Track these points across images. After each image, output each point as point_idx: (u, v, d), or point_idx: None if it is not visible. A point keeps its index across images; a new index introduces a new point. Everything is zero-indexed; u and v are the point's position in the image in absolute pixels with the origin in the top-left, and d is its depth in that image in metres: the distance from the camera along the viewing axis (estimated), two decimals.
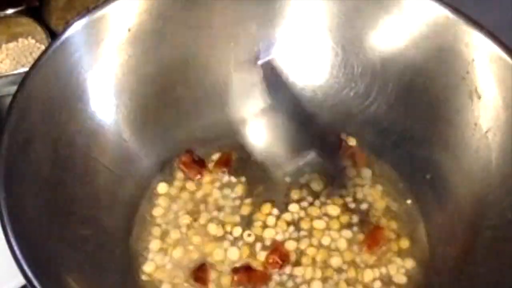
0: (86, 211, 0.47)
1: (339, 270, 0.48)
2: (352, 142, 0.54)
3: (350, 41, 0.53)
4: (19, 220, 0.41)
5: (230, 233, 0.49)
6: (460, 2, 0.50)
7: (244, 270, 0.47)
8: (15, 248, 0.39)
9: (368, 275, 0.47)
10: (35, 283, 0.38)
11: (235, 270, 0.47)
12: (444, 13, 0.50)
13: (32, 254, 0.40)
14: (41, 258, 0.41)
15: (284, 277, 0.47)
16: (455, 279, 0.46)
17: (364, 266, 0.48)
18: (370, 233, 0.49)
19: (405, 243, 0.49)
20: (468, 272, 0.45)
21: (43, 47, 0.61)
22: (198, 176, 0.52)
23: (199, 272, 0.47)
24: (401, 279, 0.48)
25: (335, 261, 0.48)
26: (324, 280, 0.47)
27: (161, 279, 0.47)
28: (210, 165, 0.53)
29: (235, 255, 0.48)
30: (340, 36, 0.54)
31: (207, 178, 0.52)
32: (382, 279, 0.48)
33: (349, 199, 0.51)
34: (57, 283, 0.41)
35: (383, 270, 0.48)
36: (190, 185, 0.52)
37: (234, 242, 0.49)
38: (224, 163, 0.53)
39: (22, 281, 0.41)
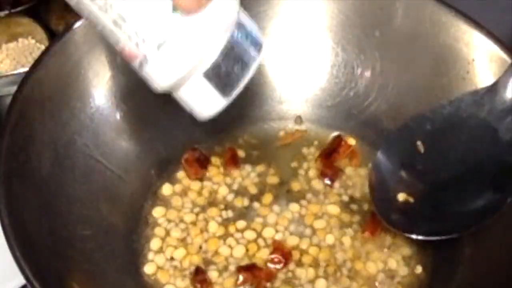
0: (86, 211, 0.47)
1: (341, 266, 0.48)
2: (352, 142, 0.54)
3: (350, 41, 0.53)
4: (19, 220, 0.41)
5: (233, 231, 0.49)
6: (460, 2, 0.50)
7: (249, 269, 0.47)
8: (15, 248, 0.39)
9: (371, 268, 0.47)
10: (35, 283, 0.38)
11: (240, 269, 0.47)
12: (444, 13, 0.50)
13: (32, 254, 0.40)
14: (41, 258, 0.41)
15: (290, 274, 0.47)
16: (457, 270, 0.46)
17: (366, 260, 0.48)
18: (368, 220, 0.49)
19: (405, 239, 0.49)
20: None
21: (43, 47, 0.61)
22: (197, 175, 0.52)
23: (198, 276, 0.46)
24: (404, 270, 0.48)
25: (338, 258, 0.48)
26: (327, 276, 0.47)
27: (162, 281, 0.47)
28: (213, 164, 0.53)
29: (239, 253, 0.48)
30: (340, 36, 0.54)
31: (209, 176, 0.52)
32: (385, 272, 0.47)
33: (349, 199, 0.51)
34: (57, 283, 0.41)
35: (386, 263, 0.48)
36: (192, 185, 0.52)
37: (237, 241, 0.49)
38: (232, 161, 0.52)
39: (22, 281, 0.41)
